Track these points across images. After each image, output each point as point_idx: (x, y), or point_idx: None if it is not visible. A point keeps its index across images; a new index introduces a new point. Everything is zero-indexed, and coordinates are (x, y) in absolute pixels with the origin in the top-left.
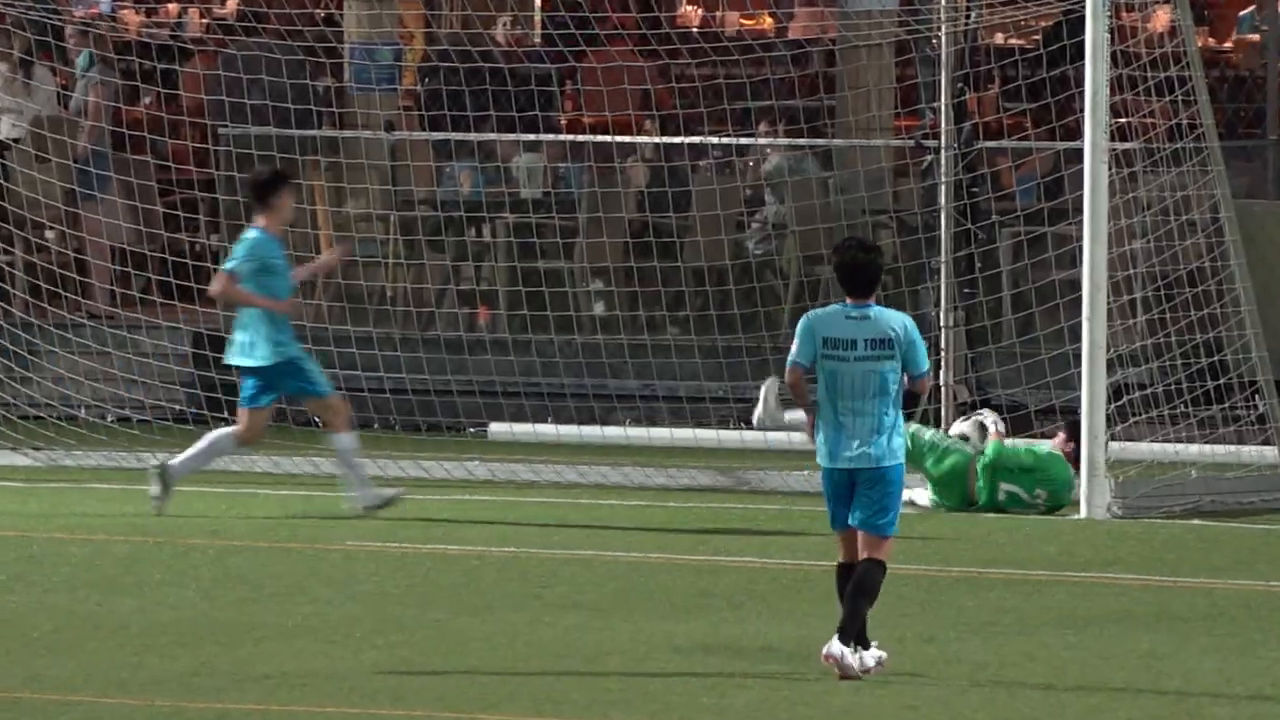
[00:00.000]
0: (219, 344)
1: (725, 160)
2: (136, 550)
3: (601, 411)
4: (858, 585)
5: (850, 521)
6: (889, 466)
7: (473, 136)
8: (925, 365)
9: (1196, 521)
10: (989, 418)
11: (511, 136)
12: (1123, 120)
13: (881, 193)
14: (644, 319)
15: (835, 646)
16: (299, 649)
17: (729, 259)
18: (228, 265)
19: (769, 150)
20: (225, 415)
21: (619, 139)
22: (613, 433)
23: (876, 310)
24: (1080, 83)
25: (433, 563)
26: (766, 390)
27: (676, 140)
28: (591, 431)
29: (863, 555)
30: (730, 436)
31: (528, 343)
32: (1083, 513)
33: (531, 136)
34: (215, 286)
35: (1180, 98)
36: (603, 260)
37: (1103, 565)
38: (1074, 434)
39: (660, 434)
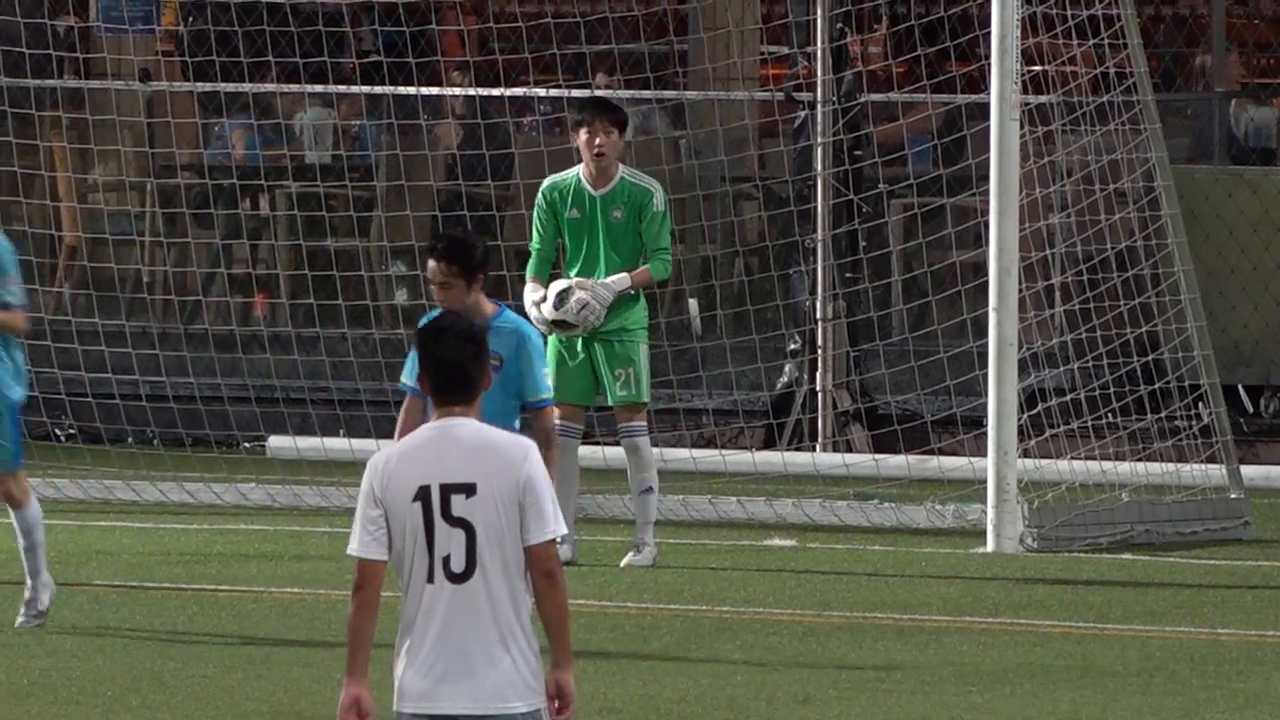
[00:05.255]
0: None
1: (554, 117)
2: None
3: None
4: None
5: None
6: None
7: (247, 88)
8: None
9: (1128, 556)
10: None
11: (294, 88)
12: (1037, 69)
13: (745, 156)
14: None
15: None
16: (34, 713)
17: None
18: None
19: None
20: None
21: (425, 91)
22: None
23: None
24: (985, 23)
25: (199, 606)
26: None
27: (495, 92)
28: None
29: None
30: None
31: (315, 339)
32: (990, 545)
33: (319, 88)
34: None
35: (1107, 41)
36: (406, 238)
37: (1015, 609)
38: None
39: None
